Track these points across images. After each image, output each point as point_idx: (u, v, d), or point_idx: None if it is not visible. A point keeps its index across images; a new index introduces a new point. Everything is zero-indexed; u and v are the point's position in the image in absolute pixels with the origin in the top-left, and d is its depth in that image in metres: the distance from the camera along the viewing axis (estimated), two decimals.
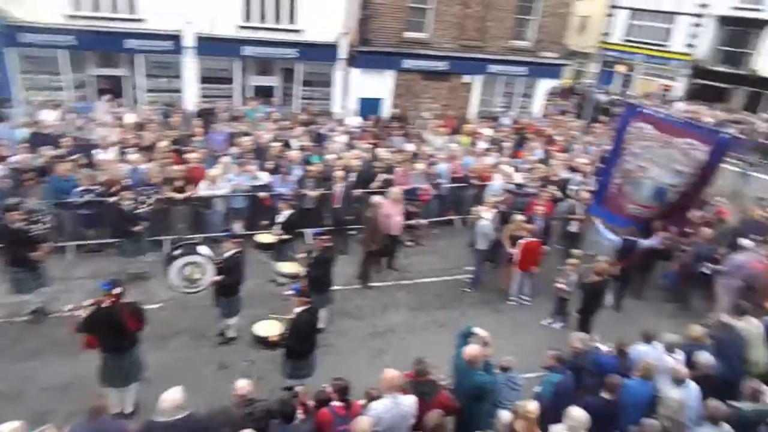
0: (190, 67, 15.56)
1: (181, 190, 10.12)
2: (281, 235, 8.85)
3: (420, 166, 11.79)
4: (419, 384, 5.60)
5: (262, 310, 7.98)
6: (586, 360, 6.50)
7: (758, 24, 26.87)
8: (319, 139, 13.53)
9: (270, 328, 6.71)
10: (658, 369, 6.28)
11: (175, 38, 15.07)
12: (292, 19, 15.90)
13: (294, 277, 8.01)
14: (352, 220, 10.84)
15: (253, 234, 9.56)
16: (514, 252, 9.73)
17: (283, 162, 11.35)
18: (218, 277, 7.48)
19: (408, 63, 17.28)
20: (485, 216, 10.01)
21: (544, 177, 12.13)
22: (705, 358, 6.51)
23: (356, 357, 8.08)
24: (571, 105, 25.03)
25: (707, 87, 29.00)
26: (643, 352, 6.69)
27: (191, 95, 15.75)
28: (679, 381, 6.08)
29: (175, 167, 10.39)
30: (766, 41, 26.85)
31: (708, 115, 24.23)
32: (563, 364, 6.29)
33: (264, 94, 16.66)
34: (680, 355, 6.67)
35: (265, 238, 9.03)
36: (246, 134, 12.52)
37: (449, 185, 12.31)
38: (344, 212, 10.65)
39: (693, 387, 6.11)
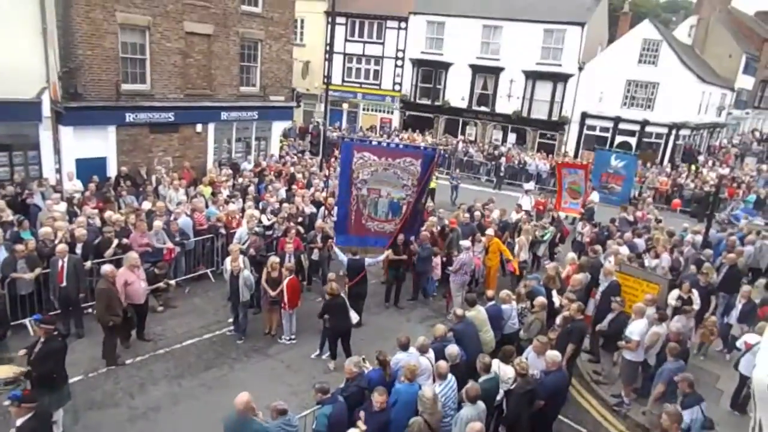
0: None
1: None
2: None
3: (158, 223, 10.99)
4: None
5: None
6: (361, 381, 6.83)
7: (442, 65, 32.80)
8: (29, 211, 11.55)
9: None
10: (419, 370, 6.95)
11: None
12: None
13: (12, 381, 6.57)
14: (85, 297, 9.54)
15: None
16: (273, 294, 9.78)
17: None
18: None
19: (131, 116, 16.05)
20: (245, 266, 9.83)
21: (290, 215, 12.54)
22: (451, 350, 7.46)
23: None
24: (307, 144, 26.61)
25: (416, 117, 34.11)
26: (402, 359, 7.35)
27: None
28: (442, 375, 6.85)
29: None
30: (450, 78, 32.88)
31: (421, 140, 28.44)
32: (331, 394, 6.47)
33: None
34: (431, 354, 7.52)
35: None
36: None
37: (195, 239, 11.78)
38: (74, 290, 9.24)
39: (451, 378, 6.95)
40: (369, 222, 11.62)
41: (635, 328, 8.58)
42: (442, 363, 7.03)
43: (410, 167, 11.39)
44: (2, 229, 9.97)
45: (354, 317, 9.47)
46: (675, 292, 10.26)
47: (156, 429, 7.58)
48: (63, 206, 11.89)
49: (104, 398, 8.11)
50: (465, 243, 11.70)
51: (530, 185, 21.11)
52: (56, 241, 9.73)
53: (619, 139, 30.40)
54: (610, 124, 30.35)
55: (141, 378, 8.69)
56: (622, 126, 30.14)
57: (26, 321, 9.21)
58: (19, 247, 9.23)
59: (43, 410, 5.73)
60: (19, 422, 5.37)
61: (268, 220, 12.44)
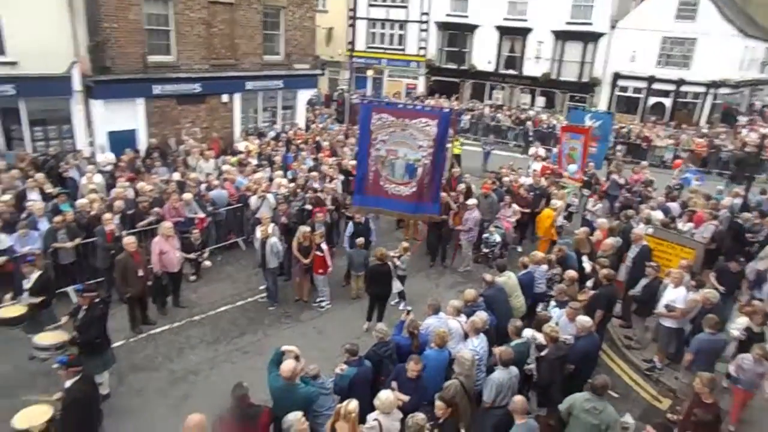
0: None
1: None
2: (31, 302, 7.53)
3: (189, 195, 11.18)
4: (245, 408, 5.38)
5: (23, 396, 6.68)
6: (389, 346, 6.89)
7: (468, 28, 31.94)
8: (66, 184, 11.87)
9: (34, 416, 5.60)
10: (449, 335, 7.00)
11: None
12: None
13: (60, 347, 6.89)
14: None
15: None
16: (306, 262, 9.97)
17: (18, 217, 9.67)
18: None
19: (158, 88, 16.17)
20: (273, 233, 9.97)
21: (315, 189, 12.58)
22: (480, 315, 7.47)
23: (158, 412, 7.37)
24: (332, 111, 26.45)
25: (442, 82, 33.48)
26: (432, 324, 7.40)
27: None
28: (477, 330, 6.92)
29: None
30: (476, 41, 32.04)
31: (447, 106, 27.93)
32: (359, 356, 6.57)
33: None
34: (463, 318, 7.55)
35: (8, 311, 7.45)
36: None
37: (225, 208, 11.97)
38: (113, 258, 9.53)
39: (484, 339, 7.02)
40: (387, 184, 11.61)
41: (678, 296, 8.39)
42: (477, 319, 7.05)
43: (426, 128, 11.25)
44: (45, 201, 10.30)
45: (397, 287, 9.64)
46: (743, 320, 8.06)
47: (195, 391, 7.86)
48: (100, 178, 12.20)
49: (146, 362, 8.46)
50: (471, 201, 11.90)
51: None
52: (92, 213, 10.02)
53: (652, 100, 29.35)
54: (643, 85, 29.24)
55: (179, 343, 9.02)
56: (656, 86, 29.03)
57: (68, 289, 9.57)
58: (57, 218, 9.53)
59: (89, 373, 6.01)
60: (68, 384, 5.66)
61: (287, 188, 12.49)
